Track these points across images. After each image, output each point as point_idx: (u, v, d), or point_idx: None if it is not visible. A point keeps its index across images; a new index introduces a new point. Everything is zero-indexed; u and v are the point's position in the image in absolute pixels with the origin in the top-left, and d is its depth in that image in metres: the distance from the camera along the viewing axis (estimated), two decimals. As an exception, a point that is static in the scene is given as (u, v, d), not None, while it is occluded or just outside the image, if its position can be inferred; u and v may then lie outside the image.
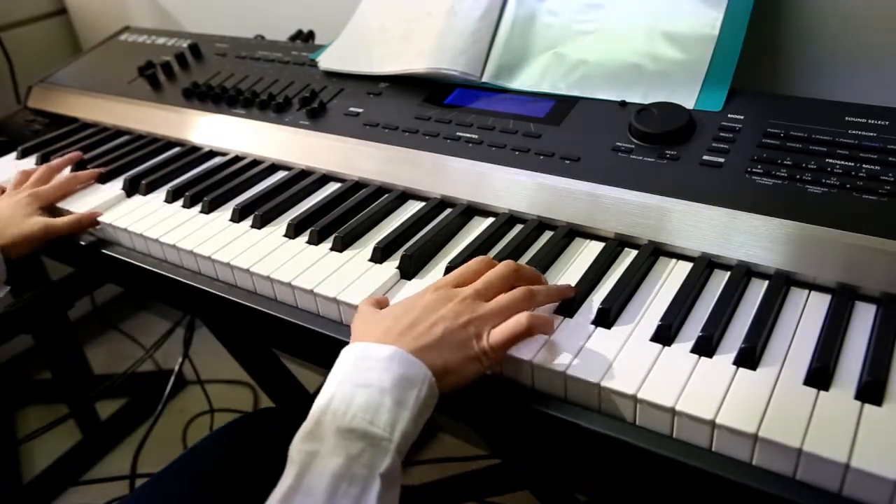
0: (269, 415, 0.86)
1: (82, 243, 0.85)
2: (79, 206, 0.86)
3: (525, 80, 0.84)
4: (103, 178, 0.92)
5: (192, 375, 1.64)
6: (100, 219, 0.83)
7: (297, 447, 0.47)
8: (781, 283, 0.58)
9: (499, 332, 0.53)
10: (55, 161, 0.93)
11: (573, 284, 0.61)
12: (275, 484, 0.46)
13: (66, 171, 0.93)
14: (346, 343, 0.55)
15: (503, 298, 0.56)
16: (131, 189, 0.89)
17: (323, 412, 0.48)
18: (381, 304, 0.61)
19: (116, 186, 0.90)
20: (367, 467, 0.45)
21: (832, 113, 0.69)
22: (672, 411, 0.48)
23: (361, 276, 0.66)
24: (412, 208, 0.77)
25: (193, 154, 0.95)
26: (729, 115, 0.72)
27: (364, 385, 0.48)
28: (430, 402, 0.50)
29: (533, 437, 0.56)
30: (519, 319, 0.53)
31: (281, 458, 0.50)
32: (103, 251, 0.83)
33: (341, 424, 0.46)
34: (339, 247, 0.71)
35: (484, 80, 0.86)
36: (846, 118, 0.68)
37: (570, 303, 0.59)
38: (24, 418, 1.67)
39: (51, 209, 0.87)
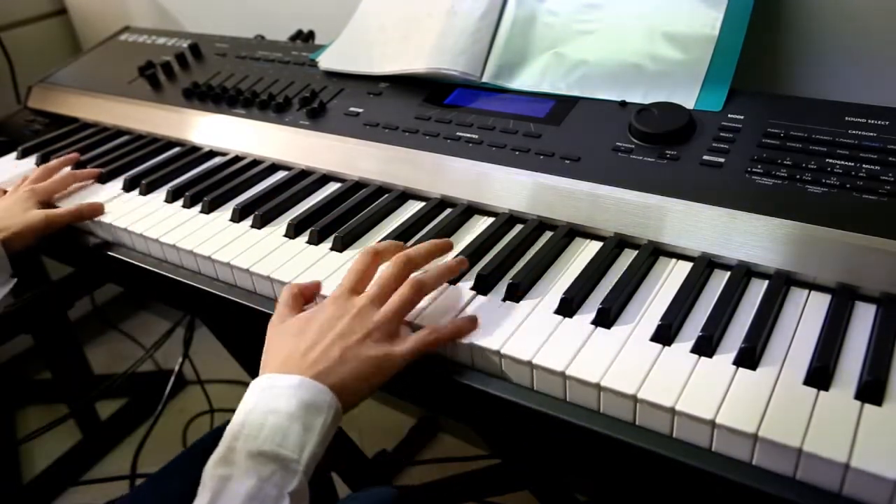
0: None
1: (82, 243, 0.85)
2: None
3: (525, 80, 0.84)
4: (103, 178, 0.92)
5: (192, 375, 1.64)
6: (100, 219, 0.83)
7: (210, 473, 0.49)
8: (781, 283, 0.58)
9: (399, 350, 0.55)
10: (53, 162, 0.94)
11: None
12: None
13: (65, 170, 0.93)
14: None
15: (394, 300, 0.58)
16: (131, 189, 0.89)
17: (235, 438, 0.50)
18: (306, 294, 0.63)
19: (116, 186, 0.90)
20: (278, 487, 0.48)
21: (832, 113, 0.69)
22: (672, 411, 0.48)
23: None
24: (412, 208, 0.77)
25: (193, 154, 0.95)
26: (729, 115, 0.72)
27: (273, 411, 0.51)
28: (335, 424, 0.53)
29: (533, 437, 0.56)
30: (424, 337, 0.56)
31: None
32: (103, 251, 0.83)
33: (252, 448, 0.49)
34: (339, 247, 0.71)
35: (484, 80, 0.86)
36: (846, 118, 0.68)
37: (569, 303, 0.59)
38: (24, 418, 1.67)
39: (50, 205, 0.87)
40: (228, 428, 0.51)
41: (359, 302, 0.58)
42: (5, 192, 0.91)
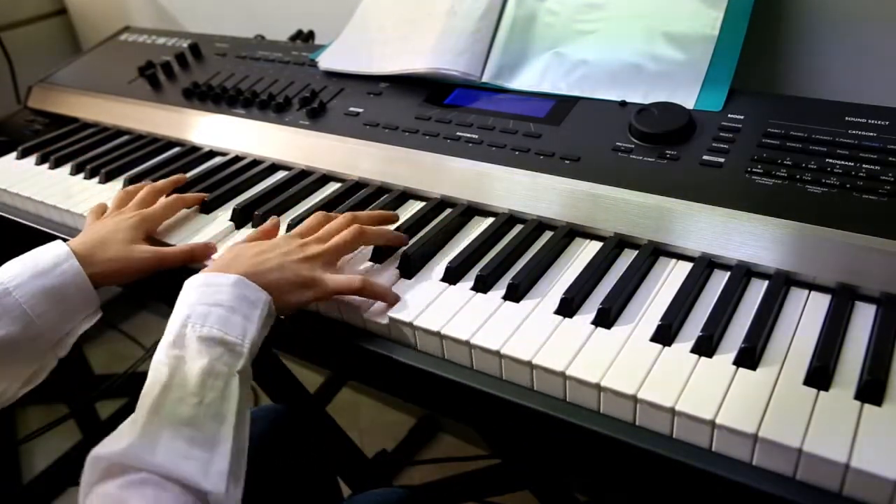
0: (269, 413, 0.86)
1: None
2: (84, 207, 0.86)
3: (525, 80, 0.84)
4: (103, 179, 0.92)
5: (192, 375, 1.63)
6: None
7: (165, 353, 0.54)
8: (781, 283, 0.58)
9: (330, 278, 0.63)
10: (160, 182, 0.83)
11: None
12: (274, 483, 0.47)
13: (174, 195, 0.82)
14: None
15: (335, 239, 0.66)
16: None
17: (183, 325, 0.55)
18: (269, 232, 0.72)
19: (117, 186, 0.90)
20: (227, 366, 0.54)
21: (832, 113, 0.69)
22: (672, 411, 0.48)
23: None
24: (412, 208, 0.77)
25: (193, 154, 0.95)
26: (729, 115, 0.72)
27: (216, 304, 0.57)
28: (269, 318, 0.60)
29: (533, 437, 0.56)
30: (352, 277, 0.63)
31: (281, 456, 0.50)
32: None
33: (201, 334, 0.55)
34: (339, 247, 0.71)
35: (484, 80, 0.86)
36: (846, 118, 0.68)
37: (569, 303, 0.59)
38: (24, 418, 1.67)
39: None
40: (173, 318, 0.57)
41: (306, 238, 0.67)
42: (103, 210, 0.80)
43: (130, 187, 0.83)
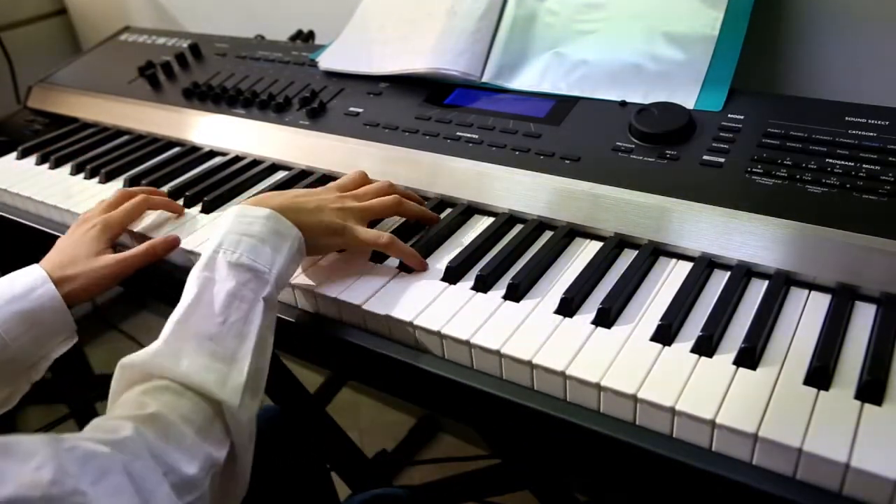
0: (269, 414, 0.86)
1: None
2: (84, 207, 0.86)
3: (525, 80, 0.84)
4: (103, 179, 0.92)
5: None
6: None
7: (196, 274, 0.57)
8: (781, 283, 0.58)
9: (361, 229, 0.66)
10: (132, 189, 0.82)
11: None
12: (275, 483, 0.47)
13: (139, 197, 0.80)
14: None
15: (374, 200, 0.69)
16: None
17: (215, 251, 0.58)
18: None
19: (116, 186, 0.90)
20: (254, 291, 0.57)
21: (832, 113, 0.69)
22: (672, 411, 0.48)
23: (362, 276, 0.66)
24: (412, 208, 0.77)
25: (193, 154, 0.95)
26: (729, 115, 0.72)
27: (248, 234, 0.59)
28: (298, 254, 0.62)
29: (533, 437, 0.56)
30: (381, 233, 0.65)
31: (282, 457, 0.50)
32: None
33: (231, 260, 0.58)
34: (340, 247, 0.71)
35: (484, 80, 0.86)
36: (846, 118, 0.68)
37: (569, 303, 0.59)
38: (24, 418, 1.67)
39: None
40: (208, 244, 0.60)
41: (344, 193, 0.70)
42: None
43: (105, 201, 0.80)
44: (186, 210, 0.82)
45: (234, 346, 0.54)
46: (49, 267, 0.69)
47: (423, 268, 0.66)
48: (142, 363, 0.52)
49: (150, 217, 0.81)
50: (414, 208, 0.71)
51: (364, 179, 0.74)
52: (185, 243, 0.75)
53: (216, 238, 0.60)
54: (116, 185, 0.91)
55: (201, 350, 0.53)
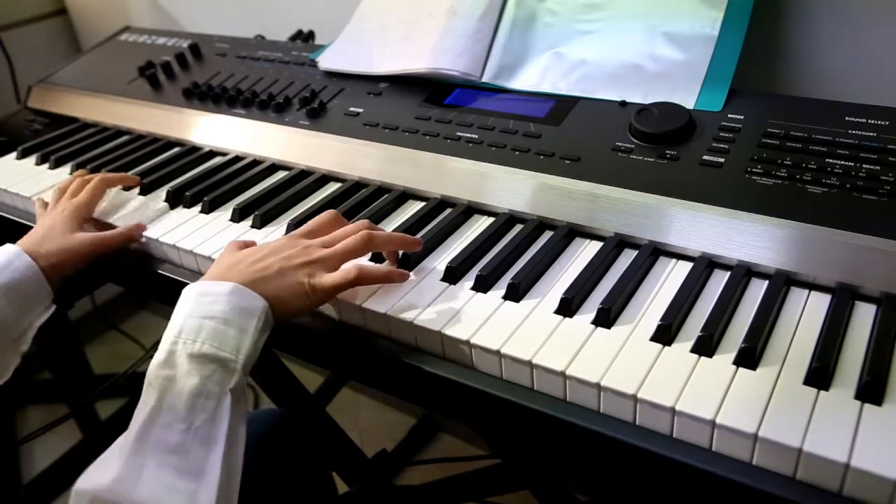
0: (270, 415, 0.86)
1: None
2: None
3: (525, 80, 0.84)
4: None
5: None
6: (98, 217, 0.83)
7: (154, 374, 0.53)
8: (781, 283, 0.58)
9: (328, 278, 0.60)
10: (88, 175, 0.86)
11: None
12: (275, 483, 0.47)
13: (97, 177, 0.85)
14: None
15: (341, 244, 0.63)
16: (131, 189, 0.89)
17: (174, 343, 0.54)
18: (248, 245, 0.67)
19: (116, 186, 0.90)
20: (219, 384, 0.52)
21: (832, 113, 0.69)
22: (672, 411, 0.48)
23: (361, 276, 0.66)
24: (412, 208, 0.77)
25: (193, 154, 0.95)
26: (729, 115, 0.72)
27: (209, 317, 0.54)
28: (266, 328, 0.58)
29: (533, 437, 0.56)
30: (348, 269, 0.60)
31: (282, 457, 0.50)
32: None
33: (193, 351, 0.53)
34: (339, 247, 0.71)
35: (484, 80, 0.86)
36: (846, 118, 0.68)
37: (569, 303, 0.59)
38: (24, 418, 1.67)
39: (101, 223, 0.84)
40: (166, 333, 0.55)
41: (309, 241, 0.64)
42: (46, 204, 0.85)
43: (62, 182, 0.86)
44: (185, 210, 0.82)
45: (200, 455, 0.50)
46: (24, 243, 0.73)
47: (404, 278, 0.64)
48: (101, 491, 0.47)
49: (106, 201, 0.86)
50: (387, 239, 0.65)
51: (336, 221, 0.68)
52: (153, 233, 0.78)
53: (176, 325, 0.55)
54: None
55: (164, 466, 0.48)
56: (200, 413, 0.51)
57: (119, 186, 0.88)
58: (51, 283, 0.72)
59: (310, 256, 0.61)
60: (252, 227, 0.77)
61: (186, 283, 0.74)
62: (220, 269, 0.61)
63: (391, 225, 0.74)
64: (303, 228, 0.67)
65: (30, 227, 0.90)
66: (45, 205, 0.84)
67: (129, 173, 0.91)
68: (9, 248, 0.72)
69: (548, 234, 0.69)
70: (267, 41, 1.15)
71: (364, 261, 0.68)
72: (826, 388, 0.48)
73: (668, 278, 0.62)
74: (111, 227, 0.82)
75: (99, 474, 0.48)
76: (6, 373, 0.69)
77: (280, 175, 0.88)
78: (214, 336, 0.54)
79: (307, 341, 0.68)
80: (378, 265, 0.63)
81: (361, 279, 0.61)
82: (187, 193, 0.84)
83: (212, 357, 0.53)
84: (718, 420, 0.47)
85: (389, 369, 0.62)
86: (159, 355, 0.54)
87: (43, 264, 0.72)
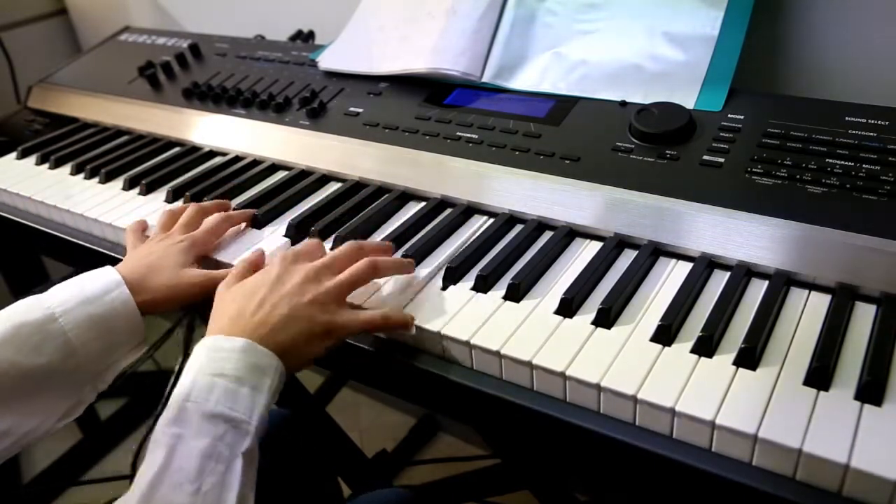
0: (270, 415, 0.86)
1: (80, 243, 0.84)
2: (83, 207, 0.86)
3: (525, 80, 0.84)
4: (103, 179, 0.92)
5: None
6: (99, 217, 0.83)
7: (163, 431, 0.50)
8: (781, 283, 0.58)
9: (353, 320, 0.58)
10: (205, 203, 0.78)
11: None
12: (276, 483, 0.46)
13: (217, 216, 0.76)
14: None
15: (348, 271, 0.60)
16: (131, 189, 0.89)
17: (185, 399, 0.51)
18: (257, 264, 0.65)
19: (116, 187, 0.90)
20: (230, 447, 0.49)
21: (832, 113, 0.69)
22: (672, 411, 0.48)
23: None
24: (412, 208, 0.77)
25: (193, 154, 0.95)
26: (729, 115, 0.72)
27: (221, 374, 0.52)
28: (280, 385, 0.55)
29: (533, 437, 0.56)
30: (373, 316, 0.58)
31: (282, 458, 0.49)
32: (101, 251, 0.83)
33: (204, 410, 0.50)
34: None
35: (484, 80, 0.86)
36: (846, 118, 0.68)
37: (569, 303, 0.59)
38: (24, 418, 1.67)
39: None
40: (178, 389, 0.52)
41: (309, 266, 0.60)
42: (143, 227, 0.77)
43: (175, 207, 0.77)
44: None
45: None
46: (126, 271, 0.65)
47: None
48: None
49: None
50: (391, 266, 0.63)
51: (320, 248, 0.65)
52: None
53: (187, 380, 0.52)
54: (116, 185, 0.90)
55: None
56: (210, 476, 0.48)
57: (246, 223, 0.78)
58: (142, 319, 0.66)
59: (318, 289, 0.58)
60: (252, 227, 0.77)
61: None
62: (224, 320, 0.57)
63: (392, 225, 0.74)
64: (291, 252, 0.62)
65: (29, 228, 0.91)
66: (142, 228, 0.77)
67: (129, 173, 0.91)
68: (108, 275, 0.64)
69: (548, 235, 0.69)
70: (267, 41, 1.15)
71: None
72: (826, 389, 0.48)
73: (668, 278, 0.62)
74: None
75: None
76: (78, 410, 0.64)
77: (280, 175, 0.88)
78: (227, 395, 0.51)
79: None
80: (399, 312, 0.60)
81: (388, 325, 0.59)
82: (187, 193, 0.84)
83: (224, 417, 0.50)
84: (718, 420, 0.47)
85: (389, 369, 0.62)
86: (169, 411, 0.51)
87: (143, 298, 0.65)
